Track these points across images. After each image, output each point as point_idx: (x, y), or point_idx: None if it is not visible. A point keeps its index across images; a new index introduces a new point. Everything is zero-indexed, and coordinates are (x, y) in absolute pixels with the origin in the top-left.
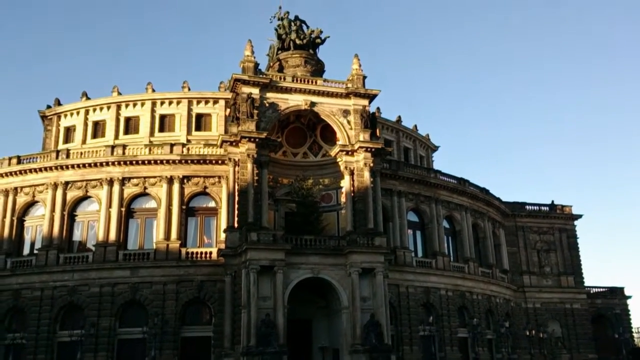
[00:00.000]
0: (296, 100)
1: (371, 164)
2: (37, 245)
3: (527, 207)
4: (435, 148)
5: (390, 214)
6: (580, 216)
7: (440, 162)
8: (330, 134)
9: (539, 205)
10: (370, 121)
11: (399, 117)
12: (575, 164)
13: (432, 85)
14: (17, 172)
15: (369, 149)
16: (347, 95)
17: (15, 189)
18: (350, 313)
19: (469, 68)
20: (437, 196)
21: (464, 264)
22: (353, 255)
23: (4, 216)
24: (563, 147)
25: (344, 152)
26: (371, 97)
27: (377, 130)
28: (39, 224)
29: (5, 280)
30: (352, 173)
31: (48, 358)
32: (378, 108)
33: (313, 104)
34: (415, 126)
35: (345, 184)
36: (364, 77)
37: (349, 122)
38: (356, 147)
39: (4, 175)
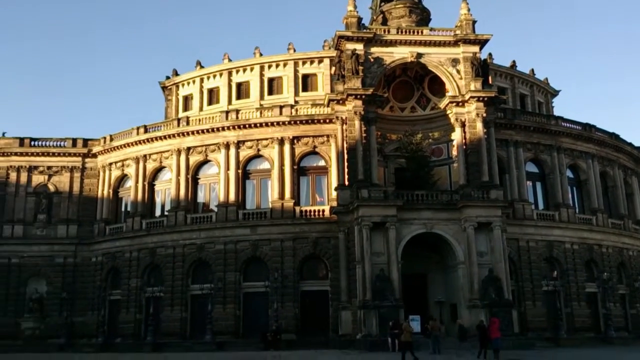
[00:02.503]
0: (402, 53)
1: (484, 114)
2: (167, 207)
3: None
4: (555, 93)
5: (506, 165)
6: None
7: (562, 107)
8: (439, 85)
9: None
10: (482, 69)
11: (514, 62)
12: None
13: (549, 25)
14: (145, 141)
15: (481, 99)
16: (455, 43)
17: (145, 156)
18: (466, 268)
19: (590, 4)
20: (558, 144)
21: (591, 216)
22: (467, 209)
23: (137, 181)
24: None
25: (454, 104)
26: (482, 43)
27: (490, 78)
28: (167, 188)
29: (142, 239)
30: (463, 125)
31: (183, 309)
32: (490, 54)
33: (419, 55)
34: (532, 70)
35: (457, 136)
36: (474, 22)
37: (458, 71)
38: (467, 97)
39: (134, 143)
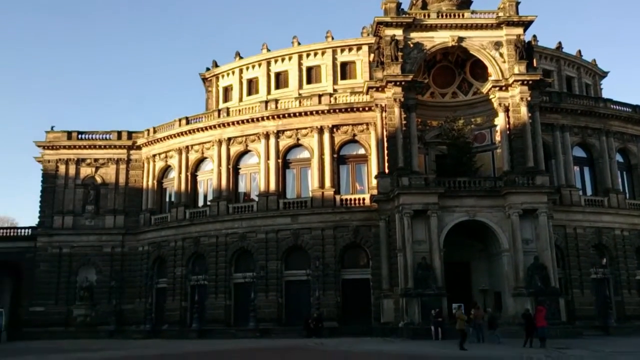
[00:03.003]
0: (442, 37)
1: (528, 98)
2: (209, 197)
3: None
4: (603, 74)
5: (552, 150)
6: None
7: (611, 89)
8: (481, 69)
9: None
10: (526, 51)
11: (560, 43)
12: None
13: (596, 4)
14: (187, 132)
15: (525, 82)
16: (498, 26)
17: (187, 147)
18: (511, 256)
19: None
20: (607, 128)
21: None
22: (512, 196)
23: (180, 172)
24: None
25: (497, 88)
26: (526, 25)
27: (534, 61)
28: (209, 178)
29: (186, 229)
30: (507, 109)
31: (227, 297)
32: (534, 36)
33: (461, 39)
34: (579, 52)
35: (500, 121)
36: (517, 3)
37: (501, 54)
38: (510, 81)
39: (176, 135)
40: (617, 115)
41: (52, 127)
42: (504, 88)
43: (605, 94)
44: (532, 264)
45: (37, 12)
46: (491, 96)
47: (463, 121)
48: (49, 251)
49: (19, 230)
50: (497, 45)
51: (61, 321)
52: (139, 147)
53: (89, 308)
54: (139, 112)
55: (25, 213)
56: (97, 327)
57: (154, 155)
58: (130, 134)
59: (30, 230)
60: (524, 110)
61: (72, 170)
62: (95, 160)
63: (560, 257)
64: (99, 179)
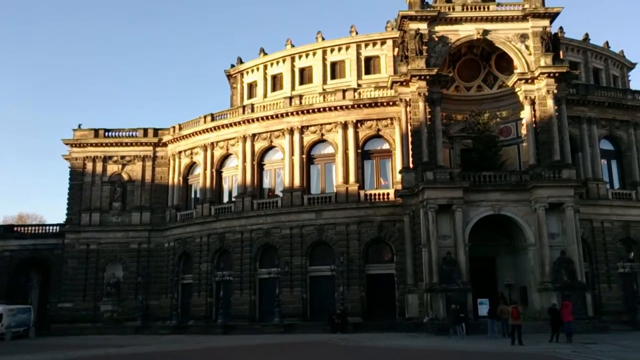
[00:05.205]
0: (467, 31)
1: (555, 91)
2: (234, 193)
3: None
4: (632, 66)
5: (579, 143)
6: None
7: (639, 81)
8: (507, 62)
9: None
10: (552, 43)
11: (586, 34)
12: None
13: None
14: (212, 129)
15: (551, 75)
16: (524, 18)
17: (212, 143)
18: (537, 250)
19: None
20: (636, 120)
21: None
22: (538, 190)
23: (205, 168)
24: None
25: (523, 81)
26: (552, 16)
27: (561, 53)
28: (234, 174)
29: (211, 225)
30: (532, 102)
31: (252, 292)
32: (561, 28)
33: (486, 32)
34: (607, 43)
35: (526, 114)
36: None
37: (527, 47)
38: (536, 73)
39: (202, 132)
40: None
41: (79, 125)
42: (529, 81)
43: (633, 86)
44: (559, 258)
45: (65, 15)
46: (517, 89)
47: (488, 115)
48: (76, 248)
49: (47, 227)
50: (523, 37)
51: (89, 317)
52: (164, 144)
53: (115, 304)
54: (165, 110)
55: (53, 211)
56: (123, 323)
57: (180, 152)
58: (156, 131)
59: (58, 227)
60: (550, 103)
61: (99, 167)
62: (122, 157)
63: (587, 251)
64: (125, 176)
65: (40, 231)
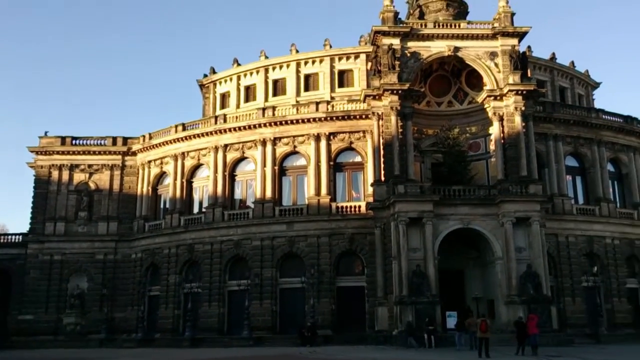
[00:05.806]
0: (439, 47)
1: (522, 108)
2: (204, 204)
3: None
4: (596, 85)
5: (545, 159)
6: None
7: (603, 100)
8: (476, 79)
9: None
10: (521, 62)
11: (553, 54)
12: None
13: (589, 16)
14: (183, 138)
15: (519, 92)
16: (493, 36)
17: (183, 153)
18: (504, 264)
19: None
20: (599, 138)
21: (632, 210)
22: (505, 204)
23: (175, 179)
24: None
25: (492, 97)
26: (521, 36)
27: (528, 71)
28: (205, 185)
29: (180, 236)
30: (501, 119)
31: (221, 304)
32: (529, 47)
33: (457, 49)
34: (572, 62)
35: (494, 130)
36: (512, 14)
37: (496, 64)
38: (505, 90)
39: (172, 141)
40: (608, 125)
41: (45, 133)
42: (498, 98)
43: (597, 105)
44: (525, 272)
45: (32, 15)
46: (486, 105)
47: (458, 130)
48: (39, 258)
49: (9, 237)
50: (493, 55)
51: (50, 330)
52: (134, 153)
53: (79, 316)
54: (135, 119)
55: (16, 219)
56: (87, 336)
57: (149, 162)
58: (125, 140)
59: (21, 236)
60: (518, 119)
61: (65, 176)
62: (90, 166)
63: (552, 265)
64: (92, 185)
65: (1, 241)
